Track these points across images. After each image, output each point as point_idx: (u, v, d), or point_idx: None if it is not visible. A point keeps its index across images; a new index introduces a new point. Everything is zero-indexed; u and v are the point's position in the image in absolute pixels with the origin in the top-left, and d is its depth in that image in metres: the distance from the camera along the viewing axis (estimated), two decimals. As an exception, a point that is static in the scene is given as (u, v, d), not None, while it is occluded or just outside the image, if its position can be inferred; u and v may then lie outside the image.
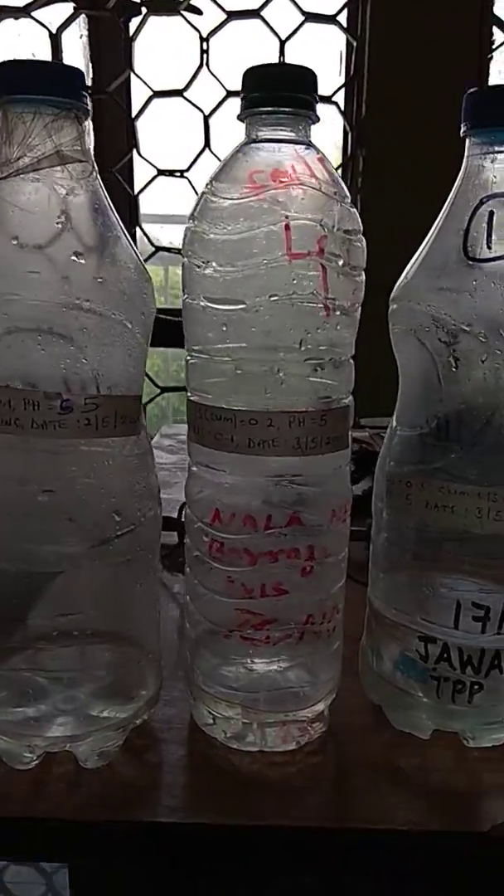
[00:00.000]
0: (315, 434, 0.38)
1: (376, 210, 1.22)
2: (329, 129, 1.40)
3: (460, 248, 0.37)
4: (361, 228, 0.38)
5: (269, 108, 0.37)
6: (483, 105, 0.38)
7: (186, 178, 1.17)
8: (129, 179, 1.22)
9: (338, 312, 0.37)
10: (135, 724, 0.41)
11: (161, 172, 1.19)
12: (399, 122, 1.13)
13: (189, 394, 0.39)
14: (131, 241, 0.38)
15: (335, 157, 1.33)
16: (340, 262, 0.36)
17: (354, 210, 0.38)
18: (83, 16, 1.19)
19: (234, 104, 1.20)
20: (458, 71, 1.15)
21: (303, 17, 1.12)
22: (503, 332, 0.36)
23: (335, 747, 0.43)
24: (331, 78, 1.30)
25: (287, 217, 0.35)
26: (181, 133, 1.19)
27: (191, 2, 1.12)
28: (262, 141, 0.37)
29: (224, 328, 0.37)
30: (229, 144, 0.38)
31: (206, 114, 1.16)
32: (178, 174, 1.19)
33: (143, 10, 1.14)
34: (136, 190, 1.20)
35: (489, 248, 0.37)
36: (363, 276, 0.39)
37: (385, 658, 0.43)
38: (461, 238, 0.37)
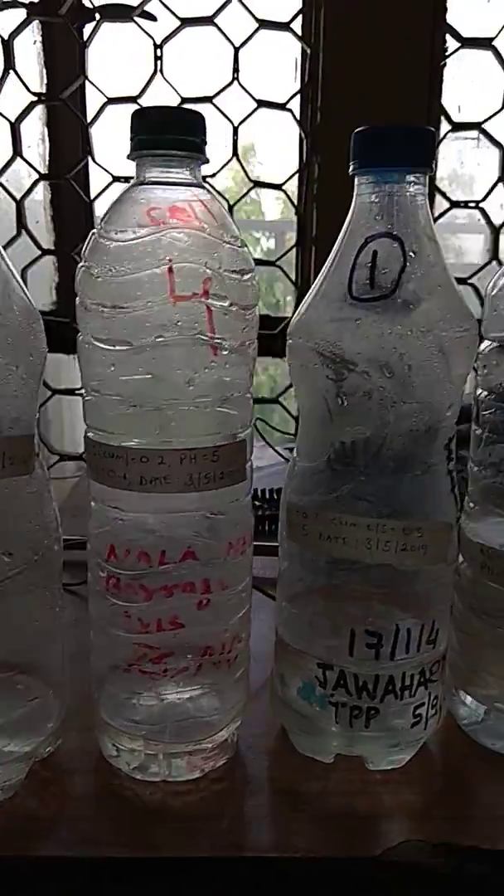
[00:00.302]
0: (208, 470, 0.38)
1: (332, 219, 1.22)
2: (285, 136, 1.40)
3: (346, 287, 0.38)
4: (252, 267, 0.39)
5: (157, 151, 0.37)
6: (369, 145, 0.39)
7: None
8: (85, 186, 1.22)
9: (226, 352, 0.37)
10: (40, 757, 0.42)
11: (116, 179, 1.18)
12: (353, 129, 1.14)
13: (86, 430, 0.40)
14: (21, 282, 0.38)
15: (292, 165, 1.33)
16: (227, 303, 0.37)
17: (244, 249, 0.39)
18: (36, 21, 1.19)
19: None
20: (411, 79, 1.15)
21: (257, 25, 1.12)
22: (386, 369, 0.37)
23: (241, 773, 0.44)
24: (286, 85, 1.30)
25: (170, 260, 0.36)
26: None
27: (145, 8, 1.12)
28: (149, 183, 0.38)
29: (113, 367, 0.37)
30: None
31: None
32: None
33: (97, 16, 1.14)
34: (92, 196, 1.20)
35: (372, 287, 0.37)
36: (255, 313, 0.39)
37: (289, 684, 0.43)
38: (347, 276, 0.38)
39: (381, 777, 0.43)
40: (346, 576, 0.41)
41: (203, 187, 0.38)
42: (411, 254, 0.37)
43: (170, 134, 0.37)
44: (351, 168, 0.39)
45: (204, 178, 0.38)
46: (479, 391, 0.43)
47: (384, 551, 0.39)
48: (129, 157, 0.38)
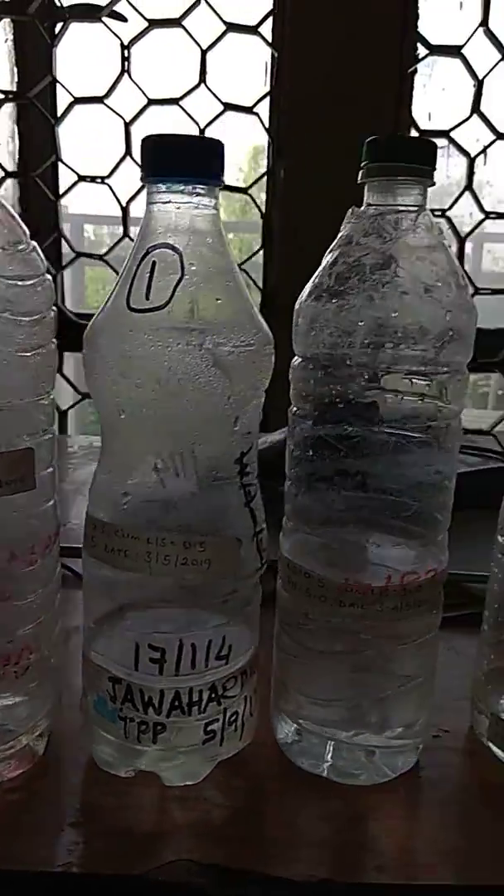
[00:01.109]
0: (-15, 477, 0.38)
1: (295, 223, 1.21)
2: (253, 140, 1.41)
3: (125, 297, 0.37)
4: (39, 273, 0.39)
5: None
6: (158, 153, 0.38)
7: (107, 184, 1.18)
8: (53, 184, 1.22)
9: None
10: None
11: (81, 178, 1.19)
12: (319, 134, 1.13)
13: None
14: None
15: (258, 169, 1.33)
16: (-1, 309, 0.37)
17: (31, 255, 0.38)
18: (8, 20, 1.20)
19: (155, 112, 1.19)
20: (379, 85, 1.14)
21: (224, 28, 1.12)
22: (158, 382, 0.36)
23: (43, 784, 0.43)
24: (255, 88, 1.30)
25: None
26: (103, 139, 1.19)
27: (114, 8, 1.12)
28: None
29: None
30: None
31: (127, 121, 1.16)
32: (100, 180, 1.20)
33: (67, 15, 1.15)
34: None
35: (147, 298, 0.37)
36: (46, 320, 0.39)
37: (88, 697, 0.43)
38: (128, 287, 0.37)
39: (179, 793, 0.43)
40: (130, 588, 0.40)
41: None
42: (192, 266, 0.37)
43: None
44: (140, 176, 0.38)
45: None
46: (291, 406, 0.43)
47: (164, 565, 0.38)
48: None
